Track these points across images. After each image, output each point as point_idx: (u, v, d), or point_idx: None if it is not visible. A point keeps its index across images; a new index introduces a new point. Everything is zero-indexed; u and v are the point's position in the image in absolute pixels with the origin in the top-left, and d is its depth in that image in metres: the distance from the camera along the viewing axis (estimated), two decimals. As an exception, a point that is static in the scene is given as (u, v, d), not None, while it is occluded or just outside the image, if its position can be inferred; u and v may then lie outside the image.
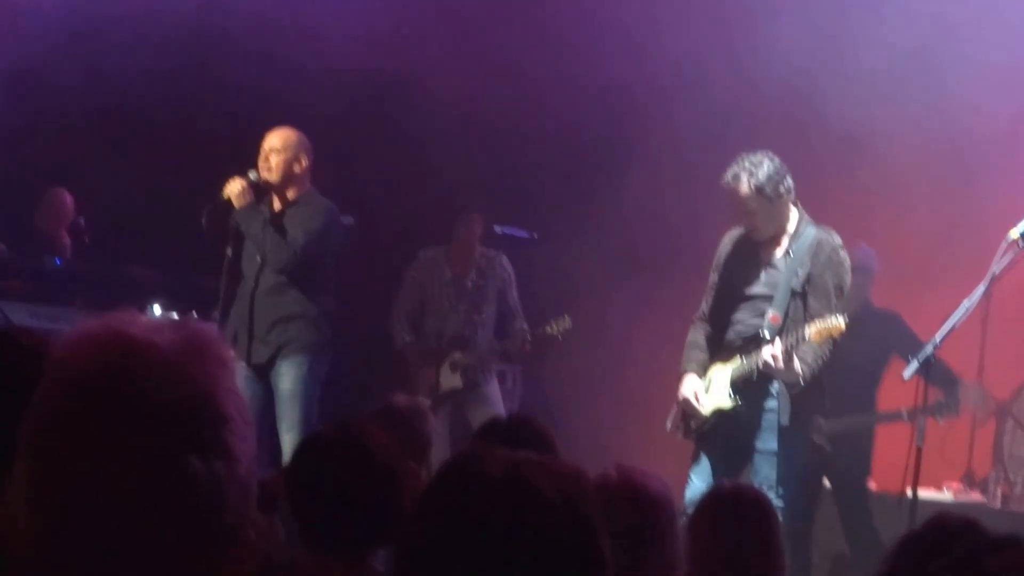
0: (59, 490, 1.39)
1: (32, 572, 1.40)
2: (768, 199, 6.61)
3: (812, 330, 6.42)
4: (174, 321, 1.50)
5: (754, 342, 6.67)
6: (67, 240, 9.64)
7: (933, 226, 9.29)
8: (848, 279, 6.82)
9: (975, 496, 9.02)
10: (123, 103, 9.48)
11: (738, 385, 6.74)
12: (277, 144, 7.61)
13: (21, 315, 8.08)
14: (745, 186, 6.59)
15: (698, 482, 6.61)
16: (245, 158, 7.72)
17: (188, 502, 1.40)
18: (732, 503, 3.83)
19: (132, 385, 1.40)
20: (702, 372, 6.88)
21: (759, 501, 3.90)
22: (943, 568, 2.28)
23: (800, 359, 6.51)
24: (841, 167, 9.17)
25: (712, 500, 3.91)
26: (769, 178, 6.60)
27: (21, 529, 1.40)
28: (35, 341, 2.18)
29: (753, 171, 6.60)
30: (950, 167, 9.24)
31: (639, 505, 3.17)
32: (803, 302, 6.65)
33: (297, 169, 7.61)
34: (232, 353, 1.51)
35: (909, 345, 8.05)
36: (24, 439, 1.42)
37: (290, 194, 7.64)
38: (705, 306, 7.02)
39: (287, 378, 7.53)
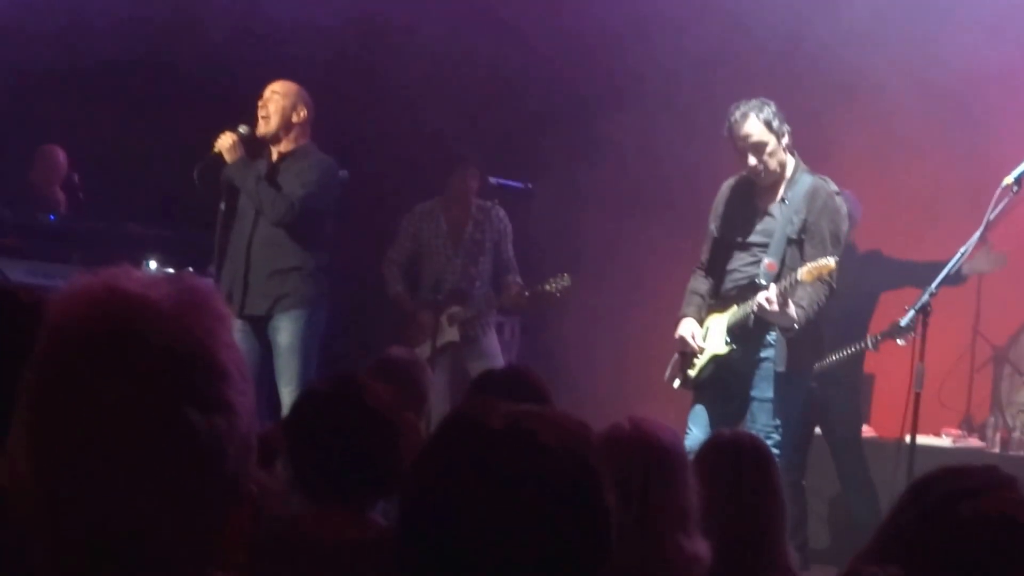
0: (59, 447, 1.38)
1: (35, 526, 1.40)
2: (776, 134, 6.68)
3: (803, 270, 6.44)
4: (170, 276, 1.50)
5: (750, 289, 6.69)
6: (61, 196, 9.62)
7: (931, 170, 9.27)
8: (845, 226, 6.83)
9: (974, 441, 9.06)
10: (107, 57, 9.44)
11: (734, 332, 6.76)
12: (278, 89, 7.58)
13: (18, 272, 8.08)
14: (753, 120, 6.65)
15: (696, 431, 6.63)
16: (235, 110, 7.72)
17: (189, 456, 1.39)
18: (731, 451, 3.83)
19: (128, 340, 1.40)
20: (700, 318, 6.91)
21: (758, 448, 3.91)
22: (921, 513, 2.29)
23: (795, 303, 6.52)
24: (836, 112, 9.15)
25: (711, 448, 3.91)
26: (774, 114, 6.69)
27: (24, 484, 1.40)
28: (35, 299, 2.18)
29: (759, 108, 6.69)
30: (948, 112, 9.21)
31: (652, 455, 3.17)
32: (799, 249, 6.66)
33: (295, 119, 7.57)
34: (228, 308, 1.51)
35: (896, 275, 8.09)
36: (24, 396, 1.42)
37: (286, 145, 7.59)
38: (704, 255, 7.04)
39: (285, 332, 7.53)
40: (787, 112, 6.76)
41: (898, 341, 7.70)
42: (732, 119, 6.70)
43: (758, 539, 3.64)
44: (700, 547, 3.19)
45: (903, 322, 6.38)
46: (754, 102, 6.71)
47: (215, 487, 1.42)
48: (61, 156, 9.65)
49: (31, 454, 1.40)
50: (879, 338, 8.02)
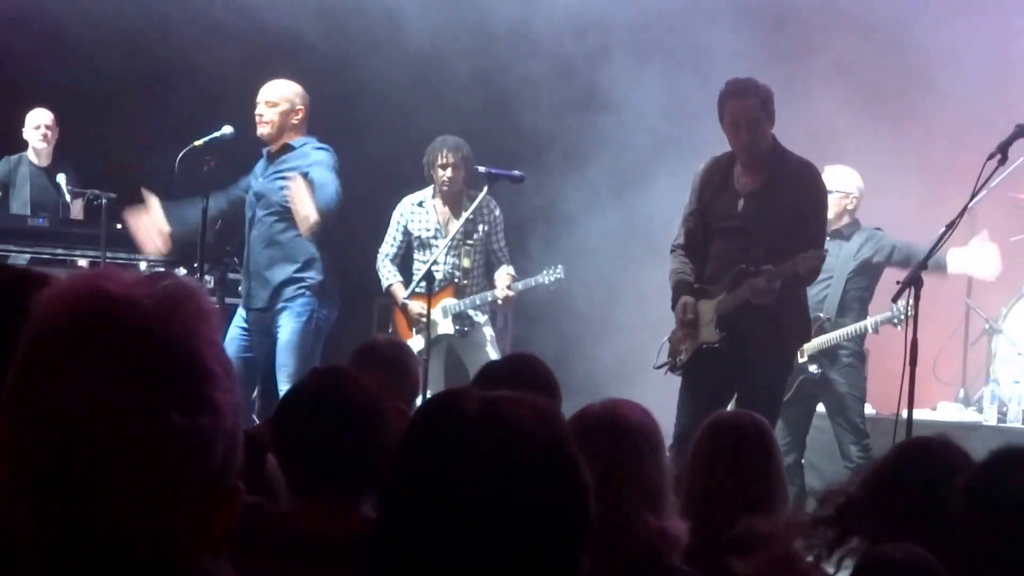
0: (39, 449, 1.38)
1: (17, 528, 1.40)
2: (769, 115, 6.70)
3: (797, 261, 6.47)
4: (154, 275, 1.49)
5: (738, 276, 6.68)
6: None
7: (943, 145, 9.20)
8: (827, 211, 6.96)
9: (970, 415, 9.07)
10: (89, 58, 9.45)
11: (724, 320, 6.74)
12: (272, 97, 7.82)
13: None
14: (755, 97, 6.65)
15: (686, 417, 6.61)
16: (220, 110, 7.80)
17: (172, 456, 1.39)
18: (731, 433, 3.81)
19: (110, 342, 1.39)
20: (695, 295, 6.90)
21: (759, 429, 3.88)
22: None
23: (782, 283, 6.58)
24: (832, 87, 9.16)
25: (711, 430, 3.89)
26: (771, 96, 6.70)
27: (3, 484, 1.40)
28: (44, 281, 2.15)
29: (759, 86, 6.70)
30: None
31: (615, 432, 3.17)
32: (785, 233, 6.64)
33: (294, 120, 7.81)
34: (214, 306, 1.51)
35: (897, 252, 8.09)
36: (4, 397, 1.42)
37: (286, 140, 7.82)
38: (682, 237, 7.02)
39: (285, 328, 7.67)
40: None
41: (896, 326, 7.73)
42: (733, 90, 6.69)
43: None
44: (672, 525, 3.19)
45: (893, 298, 6.40)
46: (753, 80, 6.73)
47: (200, 485, 1.42)
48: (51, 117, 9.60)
49: (11, 453, 1.40)
50: (879, 322, 8.02)
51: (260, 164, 7.94)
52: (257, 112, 7.79)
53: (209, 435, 1.41)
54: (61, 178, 9.22)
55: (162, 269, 7.96)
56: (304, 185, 7.60)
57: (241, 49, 9.01)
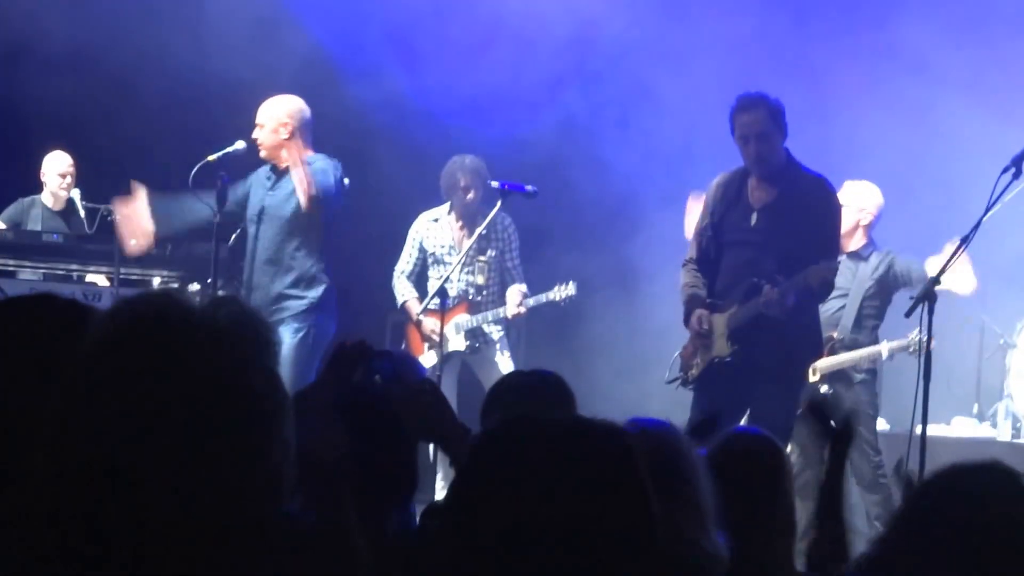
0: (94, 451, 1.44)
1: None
2: (780, 128, 6.72)
3: (808, 274, 6.47)
4: (214, 301, 1.51)
5: (749, 289, 6.68)
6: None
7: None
8: (840, 224, 6.94)
9: (984, 431, 9.05)
10: (111, 71, 9.49)
11: (736, 333, 6.75)
12: (259, 119, 7.84)
13: (21, 291, 8.05)
14: (764, 109, 6.68)
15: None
16: (237, 124, 7.80)
17: (211, 497, 1.44)
18: (743, 455, 3.75)
19: (166, 371, 1.44)
20: (707, 309, 6.91)
21: (772, 453, 3.83)
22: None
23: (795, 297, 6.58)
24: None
25: (722, 451, 3.84)
26: (782, 110, 6.73)
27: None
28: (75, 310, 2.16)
29: (769, 99, 6.72)
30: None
31: (657, 458, 3.13)
32: (798, 247, 6.64)
33: (283, 135, 7.76)
34: (271, 330, 1.55)
35: (909, 275, 8.07)
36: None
37: (285, 158, 7.76)
38: (695, 251, 7.04)
39: (284, 344, 7.59)
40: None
41: (911, 354, 7.71)
42: (742, 104, 6.72)
43: (766, 546, 3.57)
44: (719, 545, 3.16)
45: (907, 312, 6.40)
46: (764, 93, 6.76)
47: (240, 519, 1.46)
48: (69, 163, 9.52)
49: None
50: (893, 349, 8.00)
51: (261, 174, 7.89)
52: (253, 136, 7.81)
53: (248, 474, 1.46)
54: (76, 193, 9.21)
55: (175, 286, 8.00)
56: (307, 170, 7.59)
57: (253, 68, 9.02)
